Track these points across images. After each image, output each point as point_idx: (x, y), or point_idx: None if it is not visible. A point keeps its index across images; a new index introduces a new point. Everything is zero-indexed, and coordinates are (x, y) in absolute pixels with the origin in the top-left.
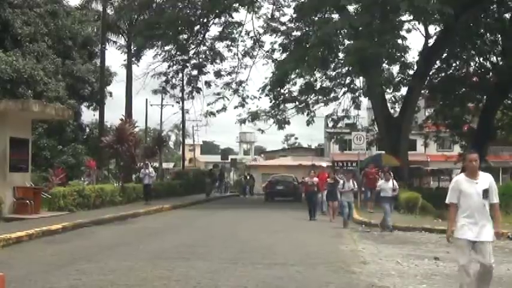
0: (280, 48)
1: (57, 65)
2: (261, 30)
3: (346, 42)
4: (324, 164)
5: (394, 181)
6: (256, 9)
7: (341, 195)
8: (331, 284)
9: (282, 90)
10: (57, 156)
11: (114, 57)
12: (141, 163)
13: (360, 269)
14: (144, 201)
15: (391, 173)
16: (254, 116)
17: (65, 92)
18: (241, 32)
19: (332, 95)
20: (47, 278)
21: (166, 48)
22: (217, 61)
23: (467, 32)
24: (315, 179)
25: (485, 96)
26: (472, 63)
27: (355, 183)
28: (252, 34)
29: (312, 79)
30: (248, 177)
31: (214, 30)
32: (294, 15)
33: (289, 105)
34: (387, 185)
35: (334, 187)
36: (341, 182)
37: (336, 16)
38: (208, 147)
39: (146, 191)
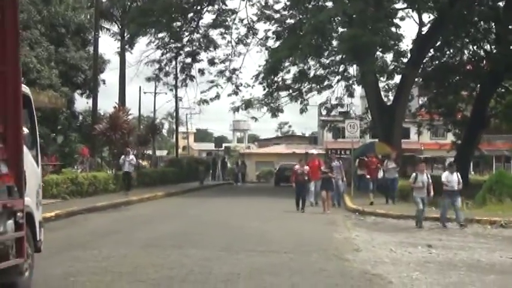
0: (274, 36)
1: (50, 52)
2: (255, 18)
3: (340, 29)
4: (315, 151)
5: (458, 174)
6: None
7: (413, 191)
8: (324, 271)
9: (276, 78)
10: (50, 144)
11: (108, 45)
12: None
13: (354, 256)
14: (124, 191)
15: (399, 161)
16: (248, 104)
17: (58, 80)
18: (234, 19)
19: (326, 83)
20: (41, 265)
21: (160, 35)
22: (211, 49)
23: (461, 20)
24: (306, 168)
25: (478, 85)
26: (465, 51)
27: (429, 177)
28: (245, 22)
29: (305, 67)
30: (240, 164)
31: (207, 17)
32: (288, 3)
33: (282, 93)
34: (453, 178)
35: (329, 176)
36: (413, 175)
37: (329, 3)
38: (201, 135)
39: (125, 180)
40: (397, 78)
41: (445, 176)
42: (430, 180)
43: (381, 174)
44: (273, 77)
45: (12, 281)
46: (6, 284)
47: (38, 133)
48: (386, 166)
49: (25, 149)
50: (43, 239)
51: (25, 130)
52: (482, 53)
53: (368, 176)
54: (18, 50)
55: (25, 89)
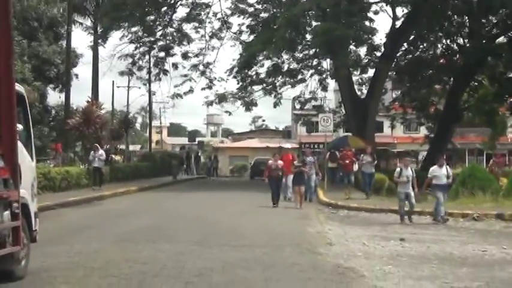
0: (248, 29)
1: (22, 46)
2: (229, 12)
3: (314, 23)
4: (288, 145)
5: (448, 167)
6: None
7: (397, 186)
8: (297, 265)
9: (250, 72)
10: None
11: (81, 39)
12: (107, 145)
13: (326, 250)
14: (93, 186)
15: (375, 155)
16: (221, 98)
17: (31, 74)
18: (208, 13)
19: (299, 77)
20: None
21: (133, 29)
22: (185, 43)
23: (435, 13)
24: (280, 162)
25: (451, 78)
26: (439, 45)
27: (413, 171)
28: (219, 16)
29: (279, 61)
30: (212, 159)
31: (181, 11)
32: None
33: (256, 87)
34: (441, 172)
35: (302, 170)
36: (397, 169)
37: None
38: (175, 129)
39: (95, 175)
40: (371, 72)
41: (432, 169)
42: (415, 175)
43: (356, 168)
44: (246, 71)
45: (10, 269)
46: (4, 272)
47: (32, 129)
48: (362, 160)
49: (20, 144)
50: (38, 229)
51: (19, 127)
52: (455, 47)
53: (349, 167)
54: (11, 53)
55: (19, 88)
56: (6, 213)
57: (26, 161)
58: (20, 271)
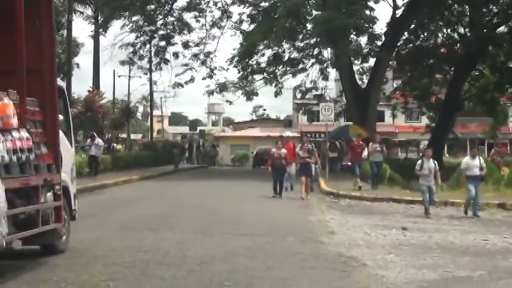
0: (248, 19)
1: None
2: (229, 1)
3: (314, 12)
4: (289, 134)
5: (481, 158)
6: None
7: (418, 179)
8: (299, 254)
9: (250, 62)
10: None
11: (81, 28)
12: (109, 134)
13: (328, 239)
14: (92, 176)
15: (383, 145)
16: (222, 87)
17: None
18: (209, 2)
19: (300, 66)
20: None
21: (134, 18)
22: (185, 32)
23: (435, 2)
24: (283, 151)
25: (452, 68)
26: (439, 35)
27: (436, 163)
28: (219, 5)
29: (280, 50)
30: (210, 148)
31: (181, 0)
32: None
33: (257, 77)
34: (474, 163)
35: (308, 162)
36: (419, 161)
37: None
38: (176, 119)
39: (92, 164)
40: (372, 62)
41: (465, 161)
42: (438, 167)
43: (365, 154)
44: (247, 60)
45: (53, 243)
46: (48, 246)
47: (71, 119)
48: (372, 149)
49: (61, 133)
50: (77, 209)
51: (60, 117)
52: (456, 36)
53: (359, 156)
54: (54, 51)
55: (60, 82)
56: (50, 194)
57: (66, 148)
58: (61, 245)
